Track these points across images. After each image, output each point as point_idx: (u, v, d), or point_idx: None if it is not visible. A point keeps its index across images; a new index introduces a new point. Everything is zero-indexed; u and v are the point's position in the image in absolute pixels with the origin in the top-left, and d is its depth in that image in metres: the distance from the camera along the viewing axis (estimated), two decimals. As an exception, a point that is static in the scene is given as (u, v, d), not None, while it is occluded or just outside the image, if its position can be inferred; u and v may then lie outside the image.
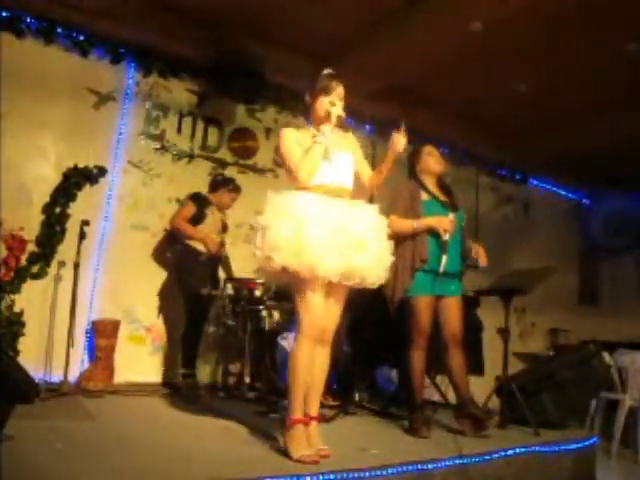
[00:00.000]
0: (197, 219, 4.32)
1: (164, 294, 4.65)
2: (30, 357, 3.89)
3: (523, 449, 2.89)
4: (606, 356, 4.46)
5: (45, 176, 4.31)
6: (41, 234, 4.21)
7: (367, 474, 2.26)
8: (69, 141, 4.41)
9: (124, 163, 4.65)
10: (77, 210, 4.31)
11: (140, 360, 4.52)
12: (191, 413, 3.30)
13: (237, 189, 4.58)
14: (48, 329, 4.17)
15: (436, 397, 4.06)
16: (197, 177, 4.88)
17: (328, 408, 3.46)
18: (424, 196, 3.29)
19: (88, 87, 4.52)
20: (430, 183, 3.36)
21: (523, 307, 6.69)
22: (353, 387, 3.96)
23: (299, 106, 2.73)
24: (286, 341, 4.00)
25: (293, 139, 2.57)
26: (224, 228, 4.60)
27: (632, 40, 4.22)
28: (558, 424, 3.52)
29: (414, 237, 3.19)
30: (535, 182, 7.45)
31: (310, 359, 2.44)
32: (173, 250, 4.49)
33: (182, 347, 4.26)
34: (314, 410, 2.50)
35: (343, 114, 2.57)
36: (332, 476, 2.19)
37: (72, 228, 4.19)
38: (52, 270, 4.24)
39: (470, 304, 4.01)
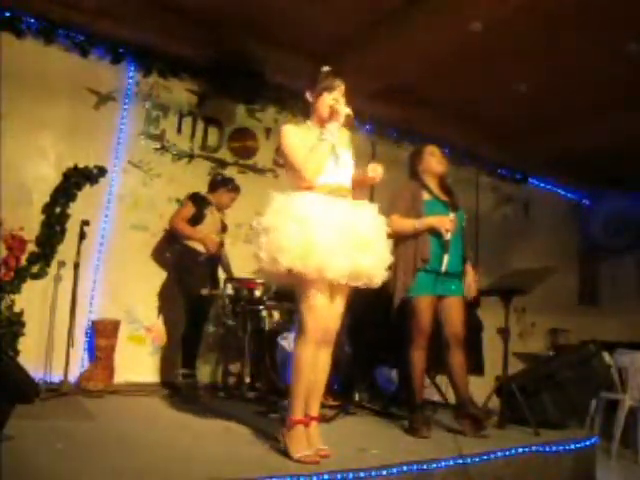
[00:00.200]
0: (196, 219, 4.32)
1: (164, 294, 4.66)
2: (30, 357, 3.89)
3: (523, 449, 2.89)
4: (606, 356, 4.46)
5: (45, 176, 4.31)
6: (41, 234, 4.21)
7: (367, 474, 2.26)
8: (69, 141, 4.41)
9: (124, 163, 4.65)
10: (77, 210, 4.31)
11: (140, 360, 4.52)
12: (191, 413, 3.29)
13: (236, 189, 4.58)
14: (48, 329, 4.17)
15: (436, 397, 4.06)
16: (197, 177, 4.88)
17: (328, 408, 3.46)
18: (426, 196, 3.29)
19: (88, 87, 4.52)
20: (432, 183, 3.36)
21: (523, 307, 6.69)
22: (353, 387, 3.96)
23: (299, 106, 2.72)
24: (286, 341, 4.00)
25: (296, 136, 2.54)
26: (223, 228, 4.60)
27: (632, 40, 4.22)
28: (558, 424, 3.52)
29: (416, 237, 3.19)
30: (535, 182, 7.45)
31: (313, 360, 2.43)
32: (172, 250, 4.48)
33: (182, 347, 4.25)
34: (314, 410, 2.50)
35: (351, 113, 2.54)
36: (332, 476, 2.18)
37: (72, 228, 4.19)
38: (52, 270, 4.24)
39: (470, 304, 4.01)
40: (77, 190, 4.37)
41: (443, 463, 2.52)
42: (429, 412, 3.53)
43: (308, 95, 2.63)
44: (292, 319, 4.13)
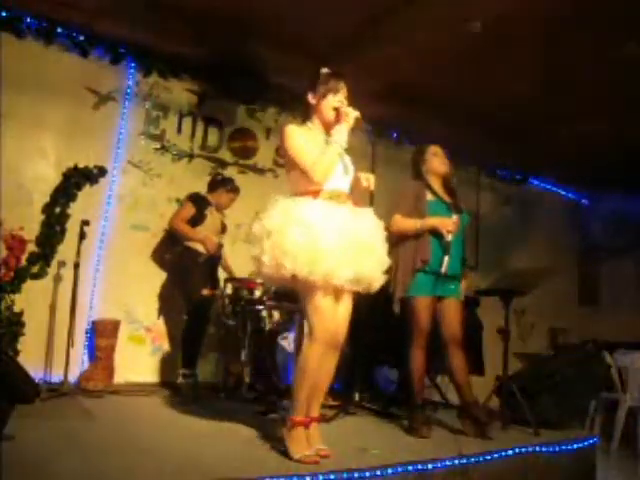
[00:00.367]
0: (196, 220, 4.31)
1: (164, 294, 4.66)
2: (30, 357, 3.88)
3: (523, 449, 2.89)
4: (606, 356, 4.47)
5: (45, 176, 4.31)
6: (41, 234, 4.21)
7: (367, 474, 2.26)
8: (69, 141, 4.41)
9: (124, 163, 4.65)
10: (77, 210, 4.31)
11: (140, 360, 4.52)
12: (191, 413, 3.29)
13: (235, 190, 4.58)
14: (48, 329, 4.17)
15: (436, 397, 4.06)
16: (197, 177, 4.88)
17: (328, 408, 3.46)
18: (429, 196, 3.28)
19: (88, 87, 4.52)
20: (435, 184, 3.36)
21: (523, 307, 6.69)
22: (353, 387, 3.96)
23: (299, 106, 2.71)
24: (286, 341, 4.01)
25: (301, 137, 2.50)
26: (223, 229, 4.60)
27: (632, 40, 4.21)
28: (558, 424, 3.52)
29: (417, 237, 3.19)
30: (535, 182, 7.45)
31: (319, 363, 2.41)
32: (173, 251, 4.48)
33: (182, 347, 4.25)
34: (315, 411, 2.50)
35: (360, 115, 2.52)
36: (332, 476, 2.19)
37: (72, 228, 4.19)
38: (52, 270, 4.24)
39: (470, 304, 4.02)
40: (77, 190, 4.38)
41: (443, 463, 2.52)
42: (429, 412, 3.53)
43: (310, 97, 2.59)
44: (292, 319, 4.13)
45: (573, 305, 7.58)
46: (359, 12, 4.20)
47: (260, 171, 5.31)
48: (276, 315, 4.64)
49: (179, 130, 4.94)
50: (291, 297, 3.64)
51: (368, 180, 2.60)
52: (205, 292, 4.21)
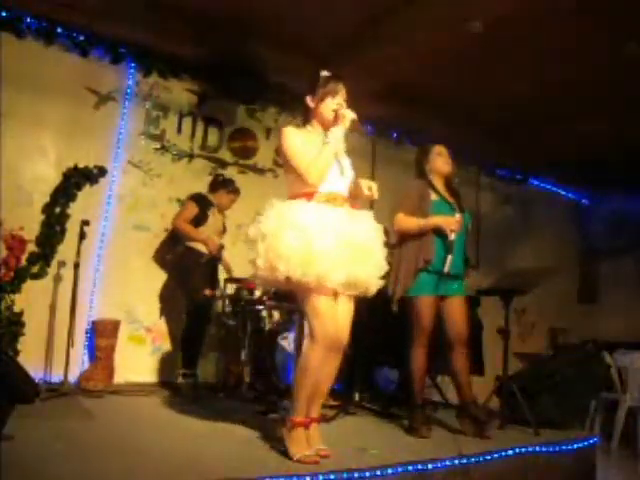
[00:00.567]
0: (199, 220, 4.31)
1: (164, 294, 4.66)
2: (30, 357, 3.89)
3: (523, 449, 2.89)
4: (606, 356, 4.47)
5: (45, 176, 4.31)
6: (41, 234, 4.21)
7: (367, 474, 2.26)
8: (69, 141, 4.41)
9: (124, 163, 4.65)
10: (77, 210, 4.31)
11: (140, 360, 4.52)
12: (191, 413, 3.29)
13: (236, 191, 4.57)
14: (48, 329, 4.17)
15: (436, 397, 4.06)
16: (197, 177, 4.88)
17: (328, 408, 3.45)
18: (433, 196, 3.28)
19: (88, 87, 4.53)
20: (438, 183, 3.36)
21: (523, 307, 6.69)
22: (353, 387, 3.96)
23: (299, 106, 2.70)
24: (286, 341, 4.01)
25: (298, 138, 2.50)
26: (223, 230, 4.60)
27: (632, 40, 4.21)
28: (558, 424, 3.52)
29: (420, 237, 3.18)
30: (535, 182, 7.45)
31: (321, 365, 2.40)
32: (174, 251, 4.48)
33: (182, 347, 4.26)
34: (315, 412, 2.49)
35: (356, 117, 2.52)
36: (332, 476, 2.19)
37: (72, 228, 4.19)
38: (52, 270, 4.24)
39: (470, 304, 4.01)
40: (77, 190, 4.38)
41: (443, 463, 2.52)
42: (429, 412, 3.53)
43: (309, 100, 2.59)
44: (292, 319, 4.13)
45: (573, 305, 7.58)
46: (359, 12, 4.20)
47: (260, 171, 5.31)
48: (276, 315, 4.65)
49: (179, 130, 4.94)
50: (291, 297, 3.64)
51: (371, 189, 2.56)
52: (207, 292, 4.21)
